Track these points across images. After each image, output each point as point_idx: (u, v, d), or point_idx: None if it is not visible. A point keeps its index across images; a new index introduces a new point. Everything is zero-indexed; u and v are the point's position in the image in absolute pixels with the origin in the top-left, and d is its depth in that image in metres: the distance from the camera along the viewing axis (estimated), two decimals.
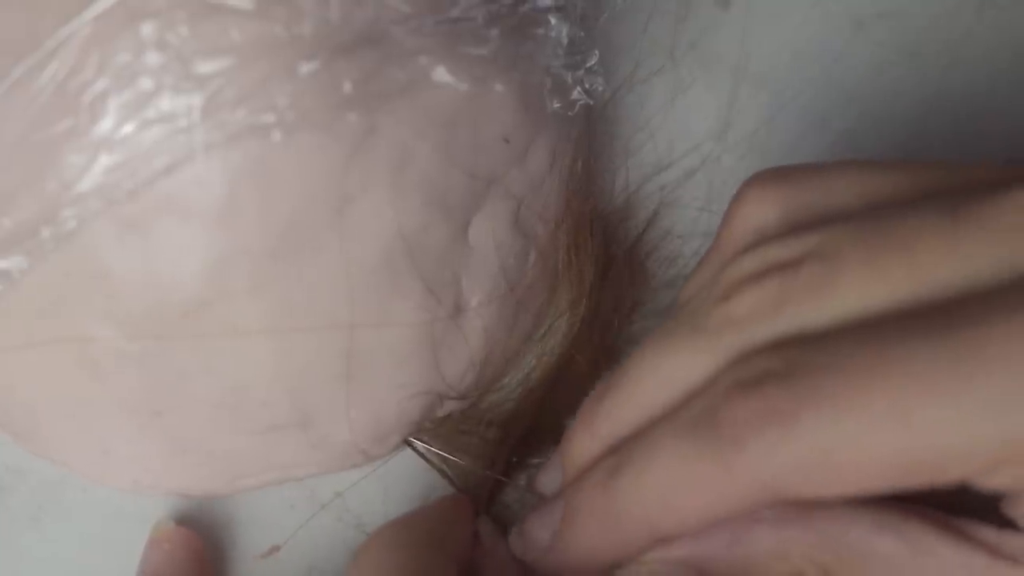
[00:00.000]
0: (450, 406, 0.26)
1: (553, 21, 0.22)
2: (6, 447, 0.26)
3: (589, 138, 0.29)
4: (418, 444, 0.26)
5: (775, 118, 0.31)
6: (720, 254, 0.19)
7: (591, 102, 0.24)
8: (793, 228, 0.18)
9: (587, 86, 0.24)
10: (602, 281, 0.27)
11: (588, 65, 0.23)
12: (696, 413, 0.17)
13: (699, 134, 0.30)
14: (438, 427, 0.26)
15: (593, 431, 0.20)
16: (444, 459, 0.26)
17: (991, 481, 0.15)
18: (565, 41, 0.23)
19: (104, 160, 0.19)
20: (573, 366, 0.27)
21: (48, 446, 0.25)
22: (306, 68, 0.19)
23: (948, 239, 0.15)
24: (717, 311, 0.18)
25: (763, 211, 0.19)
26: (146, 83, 0.18)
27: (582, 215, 0.26)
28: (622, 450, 0.18)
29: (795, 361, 0.15)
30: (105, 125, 0.19)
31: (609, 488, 0.18)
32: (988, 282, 0.15)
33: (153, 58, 0.18)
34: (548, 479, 0.23)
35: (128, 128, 0.19)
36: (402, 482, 0.27)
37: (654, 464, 0.17)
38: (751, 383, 0.16)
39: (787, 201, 0.18)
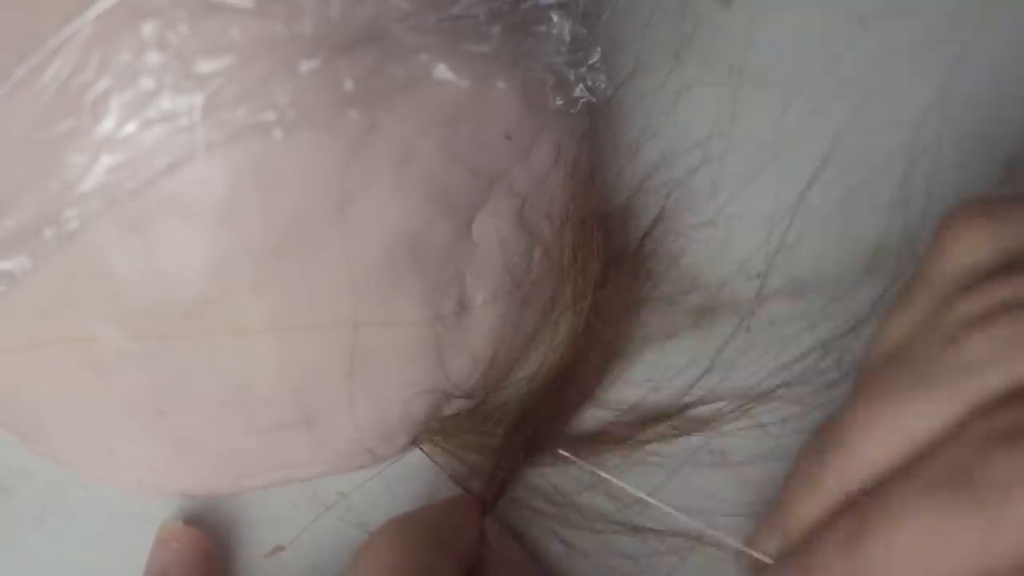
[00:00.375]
0: (457, 405, 0.26)
1: (555, 18, 0.22)
2: (10, 448, 0.26)
3: (592, 135, 0.29)
4: (425, 445, 0.26)
5: (778, 116, 0.31)
6: (931, 291, 0.19)
7: (593, 99, 0.24)
8: (1011, 264, 0.17)
9: (589, 83, 0.24)
10: (605, 279, 0.27)
11: (590, 62, 0.23)
12: (947, 469, 0.16)
13: (702, 132, 0.30)
14: (445, 426, 0.26)
15: (821, 489, 0.18)
16: (452, 459, 0.26)
17: None
18: (567, 38, 0.23)
19: (106, 160, 0.19)
20: (580, 364, 0.27)
21: (52, 446, 0.25)
22: (307, 66, 0.19)
23: None
24: (947, 357, 0.17)
25: (976, 246, 0.18)
26: (147, 82, 0.19)
27: (586, 213, 0.26)
28: (860, 511, 0.17)
29: None
30: (107, 125, 0.19)
31: (853, 553, 0.17)
32: None
33: (154, 57, 0.18)
34: (766, 542, 0.21)
35: (130, 128, 0.19)
36: (406, 482, 0.27)
37: (905, 526, 0.16)
38: (1009, 435, 0.15)
39: (1001, 236, 0.18)
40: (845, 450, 0.18)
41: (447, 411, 0.26)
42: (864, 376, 0.19)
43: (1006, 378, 0.16)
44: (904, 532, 0.16)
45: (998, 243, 0.18)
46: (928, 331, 0.18)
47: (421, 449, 0.26)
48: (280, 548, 0.26)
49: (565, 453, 0.25)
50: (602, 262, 0.27)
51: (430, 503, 0.25)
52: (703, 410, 0.27)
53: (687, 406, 0.27)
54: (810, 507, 0.19)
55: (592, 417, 0.27)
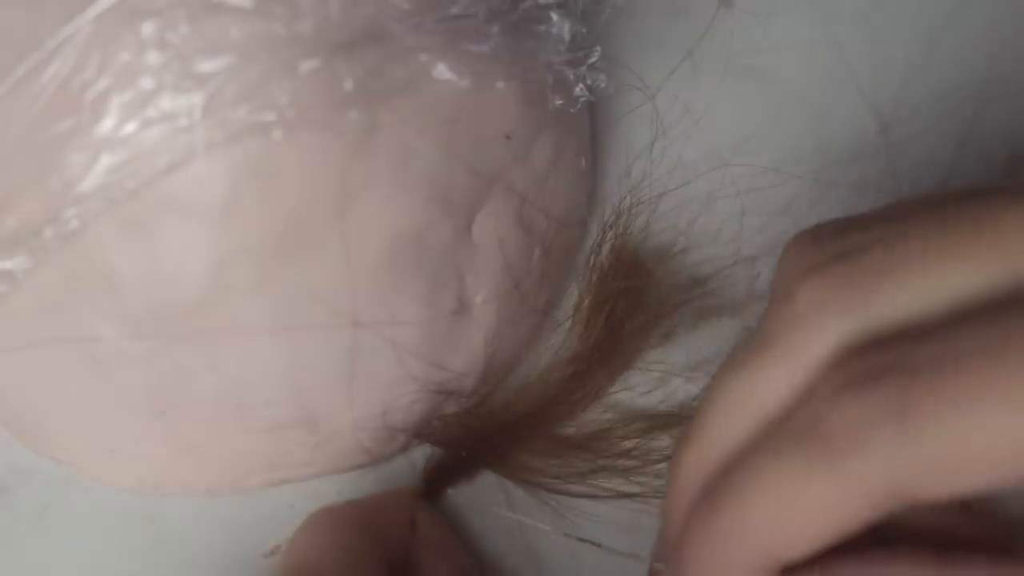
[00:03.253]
0: (456, 404, 0.26)
1: (555, 18, 0.22)
2: (10, 447, 0.26)
3: (592, 135, 0.29)
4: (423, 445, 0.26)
5: (779, 114, 0.30)
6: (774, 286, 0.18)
7: (593, 99, 0.24)
8: (850, 227, 0.17)
9: (589, 82, 0.23)
10: (606, 280, 0.27)
11: (590, 62, 0.23)
12: (794, 429, 0.16)
13: (702, 131, 0.30)
14: (445, 426, 0.26)
15: (681, 475, 0.18)
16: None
17: None
18: (567, 38, 0.23)
19: (106, 159, 0.19)
20: (590, 369, 0.27)
21: (53, 445, 0.25)
22: (307, 66, 0.19)
23: None
24: (781, 312, 0.17)
25: (811, 238, 0.18)
26: (147, 82, 0.19)
27: (586, 213, 0.26)
28: (718, 487, 0.17)
29: (902, 356, 0.14)
30: (107, 124, 0.19)
31: (710, 521, 0.17)
32: None
33: (154, 57, 0.18)
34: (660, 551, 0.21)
35: (130, 127, 0.19)
36: (405, 482, 0.27)
37: (757, 487, 0.16)
38: (855, 385, 0.15)
39: (841, 232, 0.17)
40: (701, 431, 0.18)
41: (447, 411, 0.26)
42: None
43: (839, 323, 0.16)
44: (755, 494, 0.16)
45: (833, 238, 0.17)
46: (766, 313, 0.17)
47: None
48: (279, 548, 0.26)
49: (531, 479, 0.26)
50: (601, 263, 0.27)
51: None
52: None
53: (685, 409, 0.27)
54: (679, 492, 0.18)
55: (589, 417, 0.27)
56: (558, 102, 0.23)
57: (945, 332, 0.15)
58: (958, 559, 0.15)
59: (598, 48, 0.23)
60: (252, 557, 0.26)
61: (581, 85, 0.23)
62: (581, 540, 0.25)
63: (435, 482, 0.26)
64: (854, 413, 0.14)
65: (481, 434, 0.26)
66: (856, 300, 0.15)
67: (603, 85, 0.24)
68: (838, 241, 0.17)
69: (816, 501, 0.15)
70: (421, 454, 0.27)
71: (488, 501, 0.26)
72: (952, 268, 0.15)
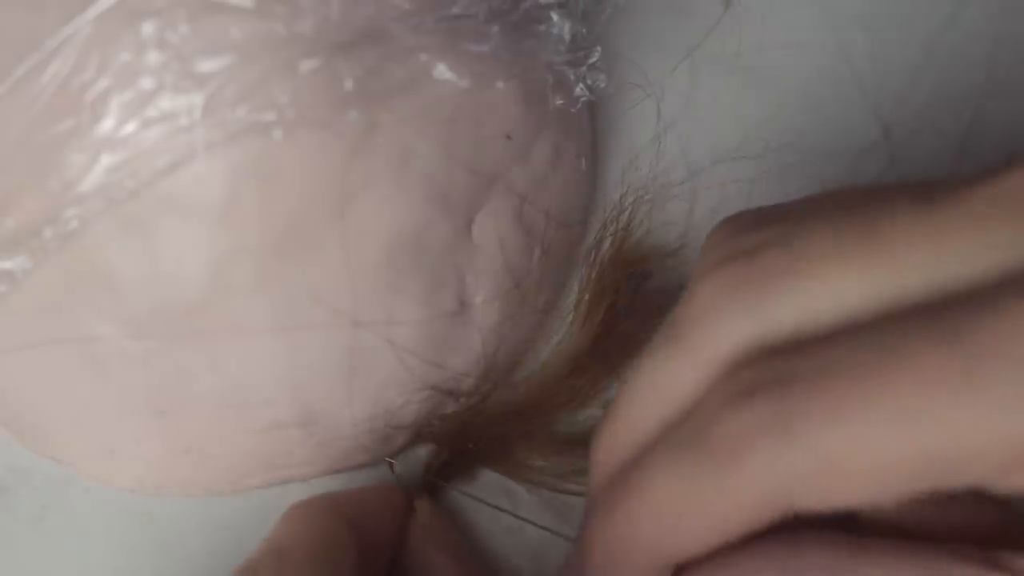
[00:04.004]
0: (456, 404, 0.26)
1: (555, 17, 0.22)
2: (10, 447, 0.26)
3: (592, 135, 0.29)
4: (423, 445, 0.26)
5: (780, 114, 0.30)
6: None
7: (593, 99, 0.24)
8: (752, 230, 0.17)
9: (589, 82, 0.23)
10: (605, 276, 0.27)
11: (590, 61, 0.23)
12: (688, 432, 0.16)
13: (701, 131, 0.30)
14: (445, 426, 0.26)
15: (598, 461, 0.19)
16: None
17: (1008, 481, 0.14)
18: (567, 37, 0.23)
19: (106, 159, 0.19)
20: (587, 368, 0.27)
21: (53, 446, 0.25)
22: (307, 66, 0.19)
23: (927, 225, 0.15)
24: (685, 307, 0.17)
25: (729, 229, 0.18)
26: (147, 82, 0.19)
27: (587, 213, 0.26)
28: (620, 478, 0.18)
29: (785, 368, 0.15)
30: (107, 124, 0.19)
31: (610, 517, 0.17)
32: (980, 272, 0.14)
33: (154, 57, 0.18)
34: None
35: (129, 127, 0.19)
36: (404, 481, 0.27)
37: (652, 488, 0.16)
38: (741, 395, 0.15)
39: (758, 221, 0.18)
40: (614, 419, 0.18)
41: (447, 411, 0.26)
42: None
43: (734, 320, 0.16)
44: (650, 495, 0.16)
45: (750, 225, 0.18)
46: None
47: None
48: None
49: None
50: (600, 263, 0.27)
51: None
52: None
53: None
54: (595, 477, 0.19)
55: (587, 416, 0.27)
56: (558, 102, 0.23)
57: (828, 343, 0.15)
58: (872, 548, 0.15)
59: (598, 48, 0.23)
60: None
61: (581, 85, 0.23)
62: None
63: (437, 478, 0.26)
64: (737, 424, 0.15)
65: (482, 430, 0.26)
66: (748, 303, 0.16)
67: (603, 85, 0.24)
68: (749, 235, 0.17)
69: (702, 506, 0.15)
70: (421, 454, 0.27)
71: (490, 500, 0.26)
72: (839, 276, 0.15)
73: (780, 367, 0.15)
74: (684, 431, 0.16)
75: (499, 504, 0.26)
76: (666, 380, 0.17)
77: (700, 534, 0.16)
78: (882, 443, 0.14)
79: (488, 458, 0.26)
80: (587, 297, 0.27)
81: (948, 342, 0.14)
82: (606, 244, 0.27)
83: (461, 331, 0.24)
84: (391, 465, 0.26)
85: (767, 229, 0.17)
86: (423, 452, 0.27)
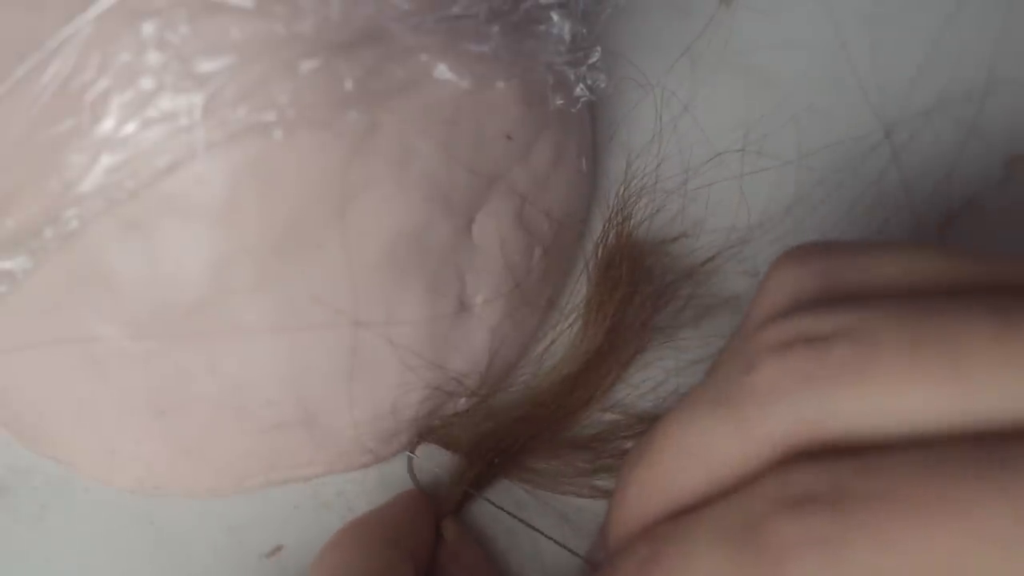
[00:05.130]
0: (457, 404, 0.26)
1: (555, 18, 0.22)
2: (10, 447, 0.26)
3: (592, 135, 0.29)
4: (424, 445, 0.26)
5: (780, 113, 0.30)
6: (752, 322, 0.18)
7: (594, 99, 0.24)
8: (830, 301, 0.17)
9: (590, 83, 0.23)
10: (608, 276, 0.27)
11: (590, 61, 0.23)
12: (735, 522, 0.16)
13: (701, 131, 0.30)
14: (445, 426, 0.26)
15: (625, 506, 0.19)
16: (451, 457, 0.26)
17: None
18: (567, 38, 0.23)
19: (106, 160, 0.19)
20: (592, 370, 0.27)
21: (53, 446, 0.25)
22: (307, 66, 0.19)
23: (999, 348, 0.15)
24: (739, 380, 0.17)
25: (800, 280, 0.18)
26: (147, 82, 0.18)
27: (587, 213, 0.26)
28: (655, 539, 0.17)
29: (841, 484, 0.15)
30: (107, 125, 0.19)
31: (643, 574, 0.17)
32: None
33: (154, 57, 0.18)
34: (597, 552, 0.22)
35: (130, 127, 0.19)
36: (405, 481, 0.27)
37: (689, 565, 0.16)
38: (795, 503, 0.15)
39: (828, 273, 0.17)
40: (646, 469, 0.18)
41: (448, 410, 0.26)
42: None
43: (792, 411, 0.16)
44: (688, 572, 0.16)
45: (824, 279, 0.17)
46: (735, 355, 0.18)
47: (409, 457, 0.26)
48: (280, 548, 0.26)
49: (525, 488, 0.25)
50: (601, 264, 0.27)
51: (385, 503, 0.25)
52: None
53: None
54: (620, 522, 0.19)
55: (588, 419, 0.27)
56: (559, 102, 0.23)
57: (888, 462, 0.15)
58: None
59: (598, 48, 0.23)
60: (252, 558, 0.26)
61: (582, 85, 0.23)
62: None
63: (460, 497, 0.26)
64: (788, 533, 0.15)
65: (489, 436, 0.26)
66: (816, 397, 0.16)
67: (603, 85, 0.24)
68: (825, 314, 0.17)
69: None
70: (425, 458, 0.27)
71: (510, 515, 0.26)
72: (911, 391, 0.15)
73: (838, 479, 0.15)
74: (730, 520, 0.16)
75: (515, 514, 0.26)
76: (713, 445, 0.17)
77: None
78: None
79: (498, 465, 0.26)
80: (595, 297, 0.27)
81: (1004, 491, 0.14)
82: (610, 242, 0.27)
83: (462, 331, 0.24)
84: (410, 459, 0.26)
85: (844, 312, 0.16)
86: (442, 460, 0.26)
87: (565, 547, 0.25)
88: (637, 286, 0.27)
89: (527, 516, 0.26)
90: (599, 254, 0.27)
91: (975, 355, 0.15)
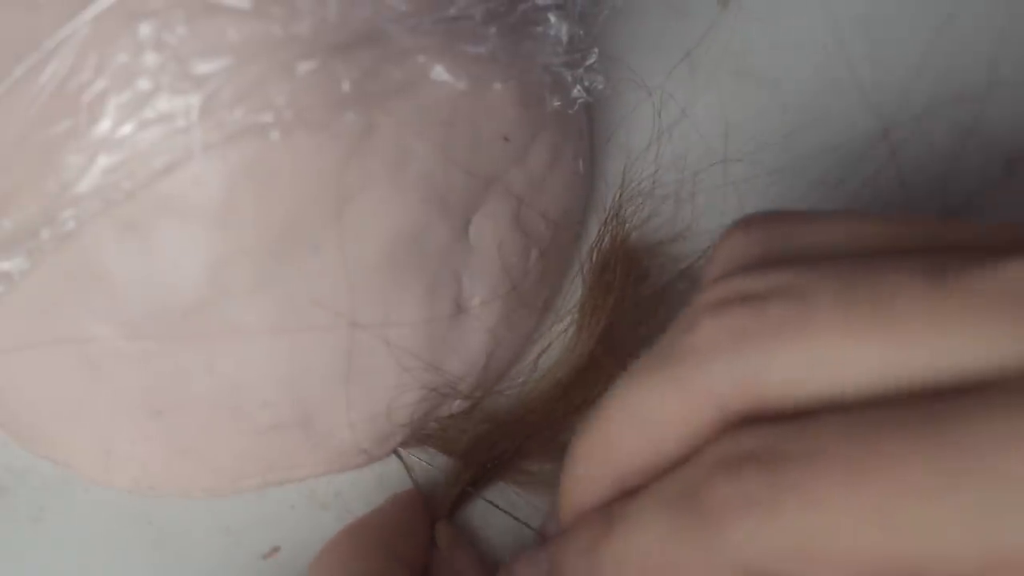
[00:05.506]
0: (453, 406, 0.26)
1: (552, 19, 0.22)
2: (8, 448, 0.26)
3: (589, 137, 0.29)
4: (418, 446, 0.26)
5: (779, 114, 0.30)
6: (699, 290, 0.19)
7: (591, 100, 0.24)
8: (770, 264, 0.17)
9: (587, 84, 0.23)
10: (603, 279, 0.27)
11: (588, 63, 0.23)
12: (678, 489, 0.16)
13: (700, 132, 0.30)
14: (441, 427, 0.26)
15: (575, 476, 0.19)
16: (445, 460, 0.26)
17: None
18: (565, 39, 0.23)
19: (103, 161, 0.19)
20: (588, 373, 0.27)
21: (50, 446, 0.25)
22: (304, 67, 0.19)
23: (927, 305, 0.15)
24: (681, 340, 0.17)
25: (744, 247, 0.18)
26: (144, 83, 0.19)
27: (584, 214, 0.26)
28: (607, 516, 0.18)
29: (774, 445, 0.15)
30: (104, 126, 0.19)
31: (592, 557, 0.18)
32: (966, 366, 0.14)
33: (151, 58, 0.18)
34: (549, 521, 0.22)
35: (126, 128, 0.19)
36: (403, 482, 0.27)
37: (636, 538, 0.17)
38: (731, 464, 0.15)
39: (770, 239, 0.18)
40: (596, 436, 0.18)
41: (444, 412, 0.26)
42: None
43: (730, 368, 0.16)
44: (634, 545, 0.17)
45: (766, 244, 0.18)
46: (678, 318, 0.18)
47: (399, 457, 0.26)
48: (278, 549, 0.26)
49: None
50: (598, 266, 0.27)
51: (378, 507, 0.25)
52: None
53: None
54: (573, 493, 0.19)
55: (583, 422, 0.27)
56: (556, 104, 0.23)
57: (823, 421, 0.15)
58: None
59: (596, 49, 0.23)
60: (251, 558, 0.26)
61: (579, 87, 0.23)
62: None
63: (454, 500, 0.26)
64: (726, 494, 0.15)
65: (484, 438, 0.26)
66: (752, 355, 0.16)
67: (601, 87, 0.24)
68: (762, 274, 0.17)
69: (683, 565, 0.16)
70: (420, 454, 0.27)
71: (506, 521, 0.26)
72: (845, 347, 0.15)
73: (772, 440, 0.15)
74: (676, 484, 0.17)
75: (513, 513, 0.26)
76: (656, 407, 0.17)
77: None
78: (856, 538, 0.14)
79: (494, 468, 0.26)
80: (590, 300, 0.27)
81: (932, 445, 0.14)
82: (606, 245, 0.27)
83: (458, 332, 0.24)
84: (403, 459, 0.26)
85: (781, 272, 0.17)
86: (439, 460, 0.26)
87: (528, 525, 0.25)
88: (632, 289, 0.27)
89: (520, 518, 0.26)
90: (594, 257, 0.27)
91: (906, 311, 0.15)
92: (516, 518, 0.26)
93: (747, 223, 0.19)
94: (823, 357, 0.15)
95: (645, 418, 0.17)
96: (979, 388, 0.14)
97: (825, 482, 0.14)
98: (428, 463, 0.26)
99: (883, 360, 0.15)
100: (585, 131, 0.28)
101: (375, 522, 0.23)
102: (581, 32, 0.23)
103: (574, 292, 0.28)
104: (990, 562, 0.14)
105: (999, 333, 0.14)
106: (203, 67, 0.19)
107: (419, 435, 0.26)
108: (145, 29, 0.18)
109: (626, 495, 0.18)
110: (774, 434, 0.15)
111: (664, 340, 0.18)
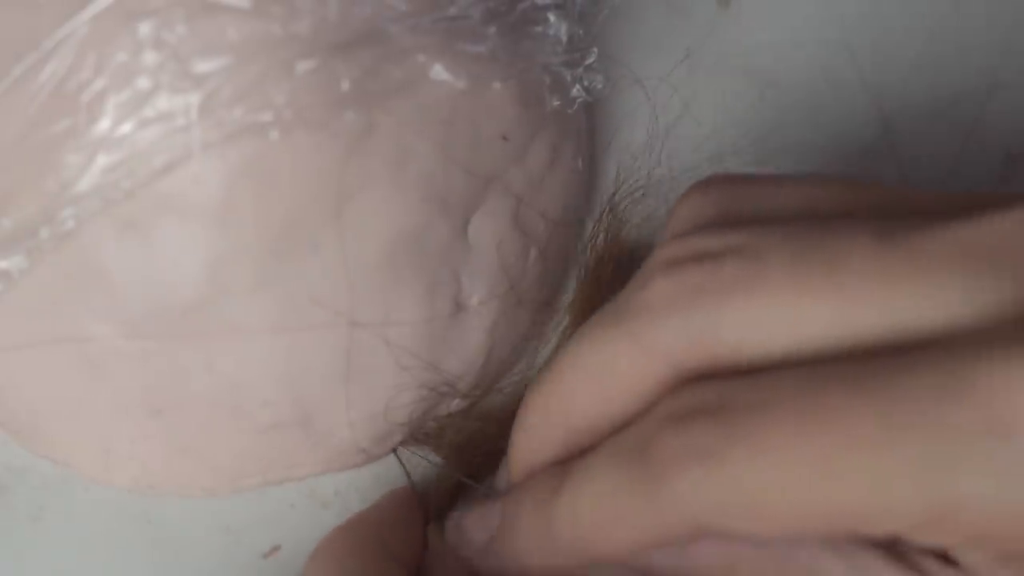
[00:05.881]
0: (452, 405, 0.26)
1: (552, 18, 0.22)
2: (7, 447, 0.26)
3: (589, 136, 0.29)
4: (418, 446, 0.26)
5: (779, 113, 0.30)
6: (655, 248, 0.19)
7: (591, 100, 0.24)
8: (726, 224, 0.17)
9: (586, 83, 0.23)
10: (600, 279, 0.27)
11: (587, 63, 0.23)
12: (629, 443, 0.17)
13: (700, 132, 0.30)
14: (441, 427, 0.26)
15: (528, 430, 0.19)
16: (444, 460, 0.26)
17: (923, 539, 0.14)
18: (564, 38, 0.23)
19: (102, 160, 0.19)
20: None
21: (49, 445, 0.25)
22: (303, 66, 0.19)
23: (877, 265, 0.15)
24: (634, 296, 0.17)
25: (701, 207, 0.18)
26: (143, 82, 0.19)
27: (583, 214, 0.26)
28: (563, 469, 0.18)
29: (724, 398, 0.15)
30: (103, 125, 0.19)
31: (546, 509, 0.18)
32: (915, 324, 0.15)
33: (150, 57, 0.18)
34: (501, 476, 0.23)
35: (126, 127, 0.19)
36: (401, 480, 0.27)
37: (589, 491, 0.17)
38: (680, 417, 0.16)
39: (727, 201, 0.18)
40: (551, 390, 0.19)
41: (443, 411, 0.26)
42: None
43: (683, 325, 0.16)
44: (586, 498, 0.17)
45: (722, 206, 0.18)
46: (634, 277, 0.18)
47: (396, 456, 0.26)
48: (278, 548, 0.26)
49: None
50: (594, 264, 0.27)
51: (372, 505, 0.25)
52: None
53: None
54: (524, 448, 0.19)
55: None
56: (555, 103, 0.23)
57: (771, 376, 0.15)
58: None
59: (595, 49, 0.23)
60: (251, 557, 0.26)
61: (578, 86, 0.23)
62: None
63: (443, 501, 0.26)
64: (673, 446, 0.15)
65: (479, 435, 0.26)
66: (704, 312, 0.16)
67: (600, 86, 0.24)
68: (717, 234, 0.17)
69: (631, 517, 0.16)
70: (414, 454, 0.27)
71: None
72: (795, 305, 0.16)
73: (722, 394, 0.15)
74: (627, 440, 0.17)
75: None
76: (609, 363, 0.17)
77: (624, 542, 0.17)
78: (799, 490, 0.14)
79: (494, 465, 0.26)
80: (582, 298, 0.27)
81: (880, 399, 0.14)
82: (600, 243, 0.27)
83: (458, 331, 0.24)
84: (399, 456, 0.26)
85: (736, 232, 0.17)
86: (435, 457, 0.26)
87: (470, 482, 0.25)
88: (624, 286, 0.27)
89: None
90: (588, 253, 0.27)
91: (854, 270, 0.15)
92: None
93: (706, 184, 0.19)
94: (776, 315, 0.16)
95: (599, 373, 0.17)
96: (927, 344, 0.14)
97: (773, 433, 0.14)
98: (427, 461, 0.26)
99: (835, 318, 0.15)
100: (584, 130, 0.28)
101: (371, 519, 0.24)
102: (581, 31, 0.23)
103: (572, 289, 0.28)
104: (933, 515, 0.14)
105: (947, 291, 0.15)
106: (203, 66, 0.19)
107: (418, 434, 0.26)
108: (144, 28, 0.18)
109: (580, 451, 0.18)
110: (724, 388, 0.16)
111: (619, 297, 0.18)
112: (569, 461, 0.18)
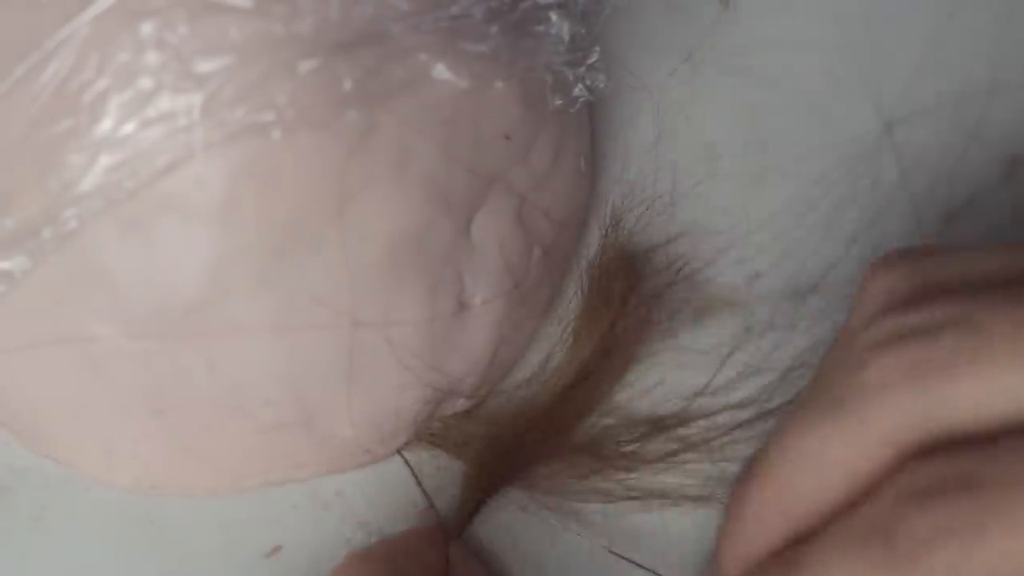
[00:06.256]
0: (456, 405, 0.26)
1: (554, 18, 0.22)
2: (9, 447, 0.26)
3: (591, 135, 0.29)
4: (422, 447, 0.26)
5: (780, 113, 0.30)
6: (853, 331, 0.19)
7: (593, 99, 0.24)
8: (927, 297, 0.17)
9: (588, 83, 0.23)
10: (604, 279, 0.27)
11: (590, 62, 0.23)
12: (866, 526, 0.16)
13: (700, 133, 0.30)
14: (444, 427, 0.26)
15: (743, 527, 0.19)
16: (450, 459, 0.26)
17: None
18: (566, 38, 0.23)
19: (104, 160, 0.19)
20: (592, 376, 0.27)
21: (51, 445, 0.25)
22: (306, 66, 0.19)
23: None
24: (851, 380, 0.17)
25: (893, 283, 0.18)
26: (146, 82, 0.19)
27: (586, 213, 0.26)
28: (789, 559, 0.17)
29: (968, 472, 0.15)
30: (105, 125, 0.19)
31: None
32: None
33: (153, 57, 0.18)
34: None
35: (128, 127, 0.19)
36: (405, 482, 0.27)
37: None
38: (923, 497, 0.15)
39: (917, 274, 0.18)
40: (765, 487, 0.18)
41: (446, 411, 0.26)
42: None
43: (907, 403, 0.16)
44: None
45: (916, 279, 0.18)
46: (838, 362, 0.18)
47: (402, 457, 0.26)
48: (279, 548, 0.26)
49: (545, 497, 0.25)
50: (597, 266, 0.27)
51: (391, 535, 0.25)
52: (702, 424, 0.27)
53: (686, 416, 0.27)
54: (741, 547, 0.19)
55: (589, 424, 0.27)
56: (557, 102, 0.23)
57: (1011, 444, 0.15)
58: None
59: (597, 48, 0.23)
60: (252, 558, 0.26)
61: (580, 85, 0.23)
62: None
63: (462, 518, 0.26)
64: (923, 524, 0.15)
65: (491, 442, 0.26)
66: (929, 388, 0.16)
67: (602, 85, 0.24)
68: (925, 308, 0.17)
69: None
70: (421, 454, 0.27)
71: (517, 535, 0.26)
72: (1018, 375, 0.15)
73: (964, 468, 0.15)
74: (861, 523, 0.16)
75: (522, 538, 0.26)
76: (830, 450, 0.17)
77: None
78: None
79: (502, 474, 0.26)
80: (589, 303, 0.27)
81: None
82: (605, 248, 0.27)
83: (461, 331, 0.24)
84: (406, 461, 0.26)
85: (946, 304, 0.17)
86: (446, 464, 0.26)
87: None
88: (632, 290, 0.27)
89: (528, 521, 0.26)
90: (594, 263, 0.27)
91: None
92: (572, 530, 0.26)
93: (887, 261, 0.19)
94: (1004, 386, 0.15)
95: (820, 461, 0.17)
96: None
97: None
98: (433, 462, 0.26)
99: None
100: (587, 129, 0.28)
101: (387, 545, 0.24)
102: (583, 31, 0.23)
103: (575, 294, 0.28)
104: None
105: None
106: (205, 66, 0.19)
107: (422, 435, 0.26)
108: (146, 28, 0.18)
109: (799, 541, 0.17)
110: (964, 460, 0.15)
111: (828, 381, 0.18)
112: (789, 552, 0.18)
